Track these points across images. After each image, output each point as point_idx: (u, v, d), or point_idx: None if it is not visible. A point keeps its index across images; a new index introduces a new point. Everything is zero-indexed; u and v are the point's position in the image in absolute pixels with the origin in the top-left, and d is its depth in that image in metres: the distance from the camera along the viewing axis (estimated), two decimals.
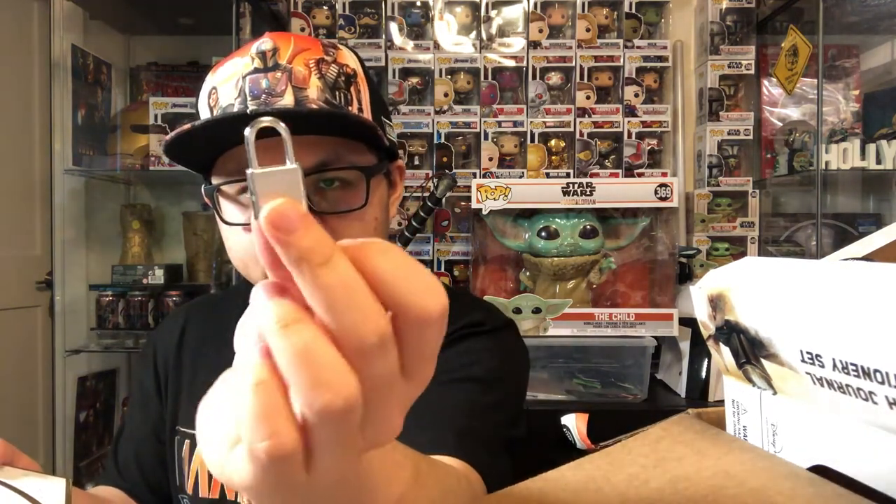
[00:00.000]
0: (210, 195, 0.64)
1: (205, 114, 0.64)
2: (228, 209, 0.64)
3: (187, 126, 0.56)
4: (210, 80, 0.64)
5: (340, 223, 0.62)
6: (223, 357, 0.77)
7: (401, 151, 1.98)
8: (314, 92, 0.61)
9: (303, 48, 0.62)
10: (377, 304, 0.23)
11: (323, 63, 0.62)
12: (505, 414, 0.68)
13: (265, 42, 0.63)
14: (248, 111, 0.58)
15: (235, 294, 0.82)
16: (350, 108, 0.63)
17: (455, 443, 0.56)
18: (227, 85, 0.62)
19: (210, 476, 0.72)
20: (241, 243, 0.63)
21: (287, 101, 0.60)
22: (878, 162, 1.77)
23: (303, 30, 2.01)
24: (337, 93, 0.62)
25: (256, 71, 0.61)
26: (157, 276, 1.93)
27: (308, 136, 0.60)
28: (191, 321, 0.81)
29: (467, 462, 0.56)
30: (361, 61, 0.68)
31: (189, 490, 0.73)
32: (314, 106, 0.60)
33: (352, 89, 0.63)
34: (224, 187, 0.63)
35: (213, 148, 0.62)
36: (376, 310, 0.23)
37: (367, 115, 0.65)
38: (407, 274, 0.24)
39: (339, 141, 0.61)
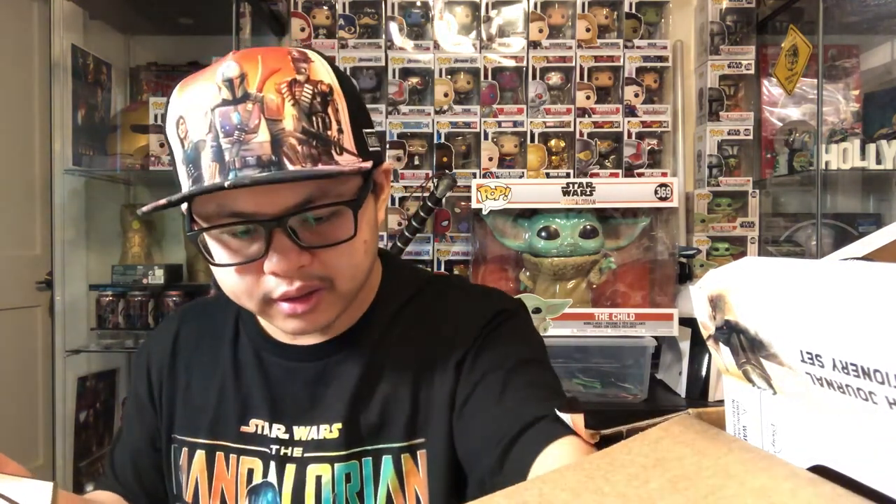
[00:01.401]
0: (195, 240, 0.62)
1: (174, 142, 0.61)
2: (216, 249, 0.62)
3: (163, 202, 0.55)
4: (176, 105, 0.61)
5: (331, 255, 0.61)
6: (217, 362, 0.77)
7: (399, 151, 1.98)
8: (290, 122, 0.57)
9: (272, 70, 0.59)
10: None
11: (295, 85, 0.59)
12: (559, 387, 0.69)
13: (230, 67, 0.59)
14: (225, 184, 0.54)
15: (227, 300, 0.81)
16: (329, 132, 0.59)
17: (559, 426, 0.55)
18: (195, 115, 0.59)
19: (210, 483, 0.72)
20: (233, 281, 0.62)
21: (262, 137, 0.56)
22: (878, 162, 1.77)
23: (303, 30, 2.01)
24: (314, 118, 0.59)
25: (226, 103, 0.57)
26: (157, 276, 1.93)
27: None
28: (183, 327, 0.80)
29: (573, 435, 0.55)
30: (336, 69, 0.64)
31: (188, 498, 0.73)
32: (292, 140, 0.57)
33: (329, 110, 0.60)
34: (210, 231, 0.61)
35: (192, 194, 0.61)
36: None
37: (347, 133, 0.61)
38: None
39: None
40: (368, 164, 0.61)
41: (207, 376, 0.74)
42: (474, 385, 0.65)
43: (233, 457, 0.71)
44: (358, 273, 0.65)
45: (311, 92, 0.59)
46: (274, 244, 0.58)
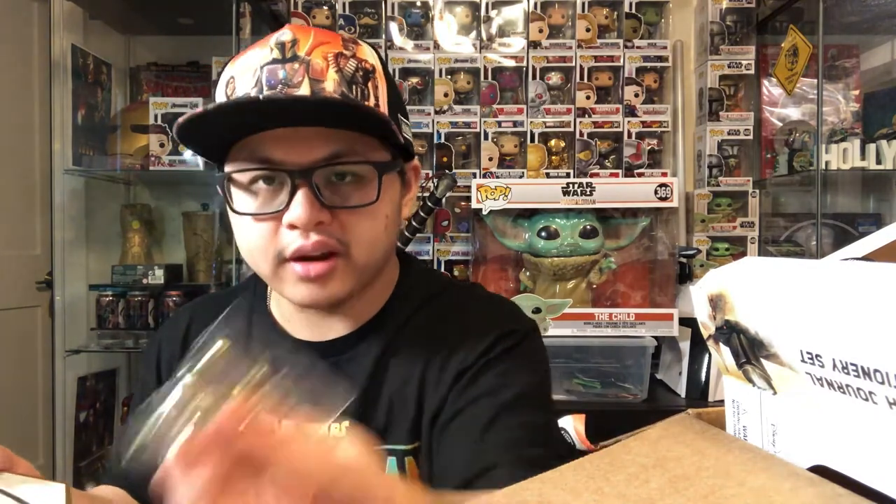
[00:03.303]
0: (220, 183, 0.64)
1: (221, 100, 0.63)
2: (239, 198, 0.63)
3: (200, 110, 0.57)
4: (229, 70, 0.65)
5: (351, 218, 0.62)
6: None
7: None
8: (331, 84, 0.60)
9: (322, 41, 0.62)
10: None
11: (341, 57, 0.62)
12: (552, 430, 0.68)
13: (285, 33, 0.63)
14: (260, 96, 0.58)
15: (238, 294, 0.81)
16: (366, 102, 0.62)
17: (529, 475, 0.56)
18: (245, 75, 0.62)
19: None
20: (250, 234, 0.63)
21: (303, 91, 0.60)
22: (878, 162, 1.77)
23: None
24: (354, 87, 0.62)
25: (275, 62, 0.61)
26: (157, 276, 1.93)
27: (322, 128, 0.60)
28: (195, 320, 0.81)
29: None
30: (381, 58, 0.67)
31: None
32: (330, 96, 0.60)
33: (369, 85, 0.63)
34: (236, 176, 0.63)
35: (227, 134, 0.62)
36: None
37: (384, 110, 0.64)
38: None
39: (354, 135, 0.61)
40: (400, 136, 0.63)
41: None
42: (466, 404, 0.64)
43: None
44: (375, 247, 0.65)
45: (354, 65, 0.62)
46: (297, 196, 0.59)
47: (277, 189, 0.61)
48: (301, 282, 0.62)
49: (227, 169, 0.63)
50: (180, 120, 0.57)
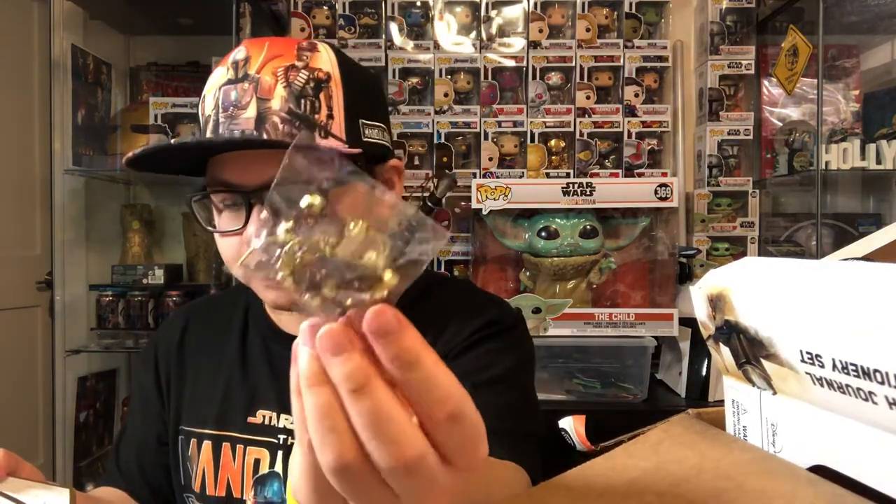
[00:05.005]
0: (189, 204, 0.69)
1: (201, 118, 0.68)
2: (211, 213, 0.68)
3: (151, 147, 0.61)
4: (205, 86, 0.68)
5: None
6: (224, 354, 0.78)
7: (399, 151, 1.98)
8: (277, 102, 0.62)
9: (274, 55, 0.64)
10: (406, 424, 0.26)
11: (292, 70, 0.64)
12: (529, 411, 0.70)
13: (240, 51, 0.65)
14: (188, 139, 0.65)
15: (237, 294, 0.82)
16: (317, 115, 0.64)
17: (503, 446, 0.58)
18: (208, 95, 0.66)
19: (216, 473, 0.72)
20: (222, 246, 0.68)
21: (250, 113, 0.62)
22: (878, 162, 1.77)
23: (303, 30, 2.01)
24: (303, 100, 0.63)
25: (229, 82, 0.64)
26: (157, 276, 1.93)
27: (271, 151, 0.62)
28: (192, 321, 0.81)
29: (517, 463, 0.58)
30: (345, 62, 0.67)
31: (196, 488, 0.73)
32: (275, 118, 0.62)
33: (321, 95, 0.64)
34: (214, 197, 0.67)
35: (183, 164, 0.67)
36: (405, 434, 0.26)
37: (339, 120, 0.64)
38: (430, 384, 0.26)
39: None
40: (355, 150, 0.64)
41: (214, 368, 0.76)
42: None
43: (239, 447, 0.71)
44: None
45: (305, 77, 0.64)
46: (252, 214, 0.63)
47: (238, 207, 0.65)
48: (268, 288, 0.66)
49: (193, 193, 0.68)
50: (129, 156, 0.61)
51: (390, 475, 0.26)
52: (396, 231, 0.29)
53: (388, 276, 0.28)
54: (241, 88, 0.63)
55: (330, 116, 0.64)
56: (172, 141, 0.65)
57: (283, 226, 0.29)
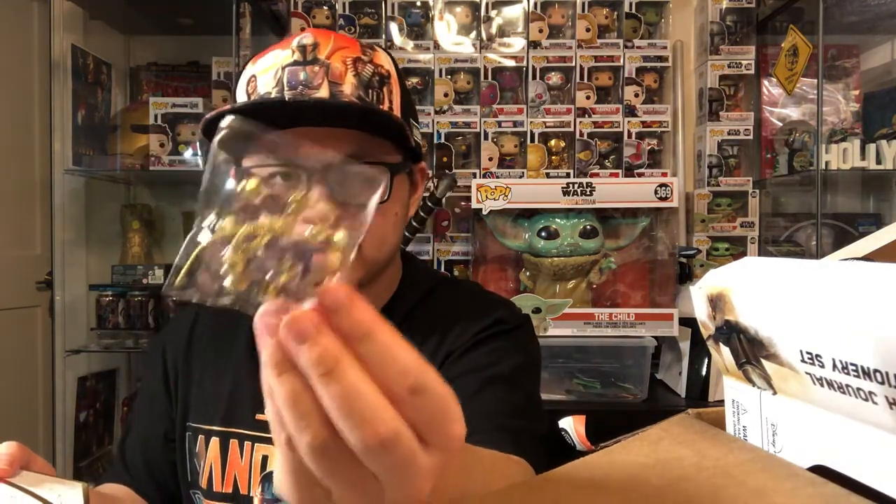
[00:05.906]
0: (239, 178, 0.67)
1: (242, 100, 0.67)
2: None
3: (227, 107, 0.60)
4: (250, 70, 0.68)
5: None
6: (233, 351, 0.79)
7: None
8: (349, 88, 0.64)
9: (341, 46, 0.66)
10: (378, 403, 0.26)
11: (359, 62, 0.66)
12: (534, 410, 0.71)
13: (306, 37, 0.66)
14: (286, 98, 0.62)
15: None
16: (381, 106, 0.66)
17: (508, 441, 0.59)
18: (266, 74, 0.65)
19: (223, 470, 0.72)
20: None
21: (323, 93, 0.63)
22: (878, 162, 1.77)
23: (302, 30, 2.01)
24: (370, 91, 0.65)
25: (296, 63, 0.64)
26: (157, 276, 1.93)
27: (338, 129, 0.63)
28: (200, 318, 0.82)
29: (524, 459, 0.58)
30: (396, 65, 0.71)
31: (203, 485, 0.73)
32: (348, 100, 0.63)
33: (384, 89, 0.67)
34: (255, 170, 0.65)
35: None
36: (376, 411, 0.25)
37: (398, 114, 0.68)
38: (386, 358, 0.26)
39: (368, 137, 0.65)
40: (412, 140, 0.67)
41: (223, 365, 0.76)
42: (454, 377, 0.67)
43: (247, 444, 0.72)
44: (384, 243, 0.68)
45: (371, 70, 0.66)
46: (313, 192, 0.62)
47: (293, 185, 0.64)
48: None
49: (246, 164, 0.64)
50: (208, 116, 0.60)
51: (367, 455, 0.26)
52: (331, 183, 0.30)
53: (338, 236, 0.28)
54: (311, 70, 0.64)
55: (391, 110, 0.67)
56: (287, 97, 0.64)
57: (228, 219, 0.29)
